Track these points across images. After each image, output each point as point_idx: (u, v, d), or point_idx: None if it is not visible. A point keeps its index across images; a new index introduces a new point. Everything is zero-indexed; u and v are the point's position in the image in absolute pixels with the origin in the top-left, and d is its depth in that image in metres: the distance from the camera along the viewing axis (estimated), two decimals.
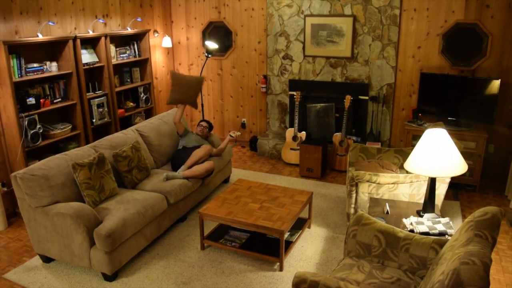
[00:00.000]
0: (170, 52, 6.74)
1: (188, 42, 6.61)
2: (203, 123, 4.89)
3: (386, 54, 5.30)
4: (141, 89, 5.76)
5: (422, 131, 4.80)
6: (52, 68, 4.50)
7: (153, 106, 5.96)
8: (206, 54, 5.91)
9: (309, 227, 4.03)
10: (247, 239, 3.70)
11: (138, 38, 5.72)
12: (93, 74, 5.08)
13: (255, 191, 3.96)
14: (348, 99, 5.26)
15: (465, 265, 1.78)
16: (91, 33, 4.89)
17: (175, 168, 4.40)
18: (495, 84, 4.51)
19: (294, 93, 5.61)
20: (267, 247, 3.56)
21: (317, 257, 3.58)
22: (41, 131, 4.28)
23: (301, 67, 5.80)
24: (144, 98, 5.80)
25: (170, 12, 6.60)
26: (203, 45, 6.45)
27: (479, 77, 4.74)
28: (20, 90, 4.19)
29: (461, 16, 4.87)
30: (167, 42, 6.38)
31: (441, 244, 2.47)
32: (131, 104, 5.62)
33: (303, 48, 5.70)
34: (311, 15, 5.52)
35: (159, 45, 6.45)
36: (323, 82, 5.70)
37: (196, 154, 4.31)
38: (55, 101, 4.53)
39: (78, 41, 4.59)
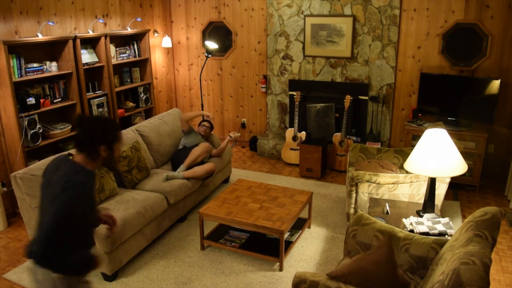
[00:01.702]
0: (170, 52, 6.74)
1: (188, 42, 6.61)
2: (206, 123, 4.89)
3: (386, 54, 5.30)
4: (141, 89, 5.76)
5: (422, 131, 4.80)
6: (52, 68, 4.50)
7: (153, 106, 5.96)
8: (206, 54, 5.91)
9: (309, 227, 4.03)
10: (247, 239, 3.70)
11: (138, 38, 5.72)
12: (93, 74, 5.08)
13: (255, 191, 3.96)
14: (348, 99, 5.26)
15: (465, 265, 1.78)
16: (91, 33, 4.89)
17: (175, 168, 4.40)
18: (495, 84, 4.51)
19: (294, 93, 5.61)
20: (267, 247, 3.56)
21: (317, 257, 3.58)
22: (41, 131, 4.28)
23: (301, 67, 5.80)
24: (144, 98, 5.80)
25: (170, 12, 6.60)
26: (203, 45, 6.44)
27: (479, 77, 4.74)
28: (20, 90, 4.19)
29: (461, 16, 4.87)
30: (167, 42, 6.38)
31: (441, 244, 2.47)
32: (131, 104, 5.62)
33: (303, 48, 5.70)
34: (311, 15, 5.52)
35: (159, 45, 6.45)
36: (323, 82, 5.70)
37: (194, 152, 4.31)
38: (55, 101, 4.53)
39: (78, 41, 4.59)
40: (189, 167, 4.27)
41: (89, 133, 1.89)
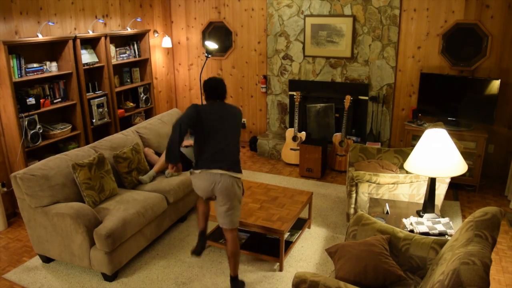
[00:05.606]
0: (170, 52, 6.74)
1: (188, 42, 6.61)
2: None
3: (386, 54, 5.30)
4: (141, 89, 5.76)
5: (422, 131, 4.80)
6: (52, 68, 4.50)
7: (153, 106, 5.96)
8: (206, 54, 5.91)
9: (309, 227, 4.03)
10: (247, 239, 3.70)
11: (138, 38, 5.72)
12: (93, 74, 5.08)
13: (255, 191, 3.96)
14: (348, 99, 5.26)
15: (465, 265, 1.78)
16: (91, 33, 4.89)
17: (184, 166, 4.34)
18: (495, 84, 4.51)
19: (294, 93, 5.61)
20: (267, 247, 3.56)
21: (317, 257, 3.58)
22: (41, 131, 4.28)
23: (301, 67, 5.80)
24: (144, 98, 5.80)
25: (170, 12, 6.60)
26: (203, 45, 6.44)
27: (479, 77, 4.74)
28: (20, 90, 4.19)
29: (461, 16, 4.87)
30: (167, 42, 6.38)
31: (441, 244, 2.47)
32: (131, 104, 5.62)
33: (303, 48, 5.70)
34: (311, 15, 5.52)
35: (159, 45, 6.45)
36: (323, 82, 5.70)
37: (162, 158, 4.19)
38: (55, 101, 4.53)
39: (78, 41, 4.59)
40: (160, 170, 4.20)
41: (224, 87, 3.06)
